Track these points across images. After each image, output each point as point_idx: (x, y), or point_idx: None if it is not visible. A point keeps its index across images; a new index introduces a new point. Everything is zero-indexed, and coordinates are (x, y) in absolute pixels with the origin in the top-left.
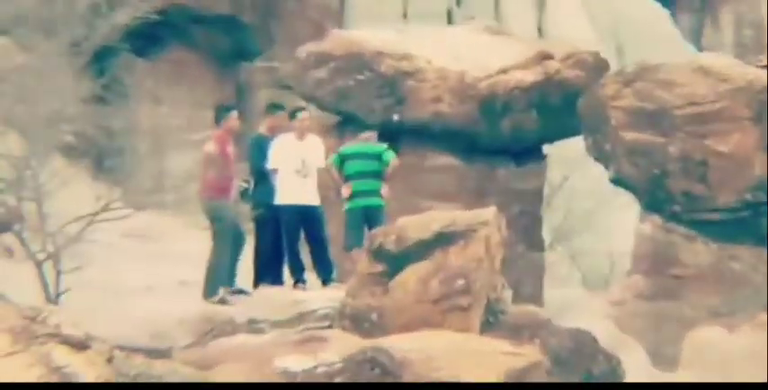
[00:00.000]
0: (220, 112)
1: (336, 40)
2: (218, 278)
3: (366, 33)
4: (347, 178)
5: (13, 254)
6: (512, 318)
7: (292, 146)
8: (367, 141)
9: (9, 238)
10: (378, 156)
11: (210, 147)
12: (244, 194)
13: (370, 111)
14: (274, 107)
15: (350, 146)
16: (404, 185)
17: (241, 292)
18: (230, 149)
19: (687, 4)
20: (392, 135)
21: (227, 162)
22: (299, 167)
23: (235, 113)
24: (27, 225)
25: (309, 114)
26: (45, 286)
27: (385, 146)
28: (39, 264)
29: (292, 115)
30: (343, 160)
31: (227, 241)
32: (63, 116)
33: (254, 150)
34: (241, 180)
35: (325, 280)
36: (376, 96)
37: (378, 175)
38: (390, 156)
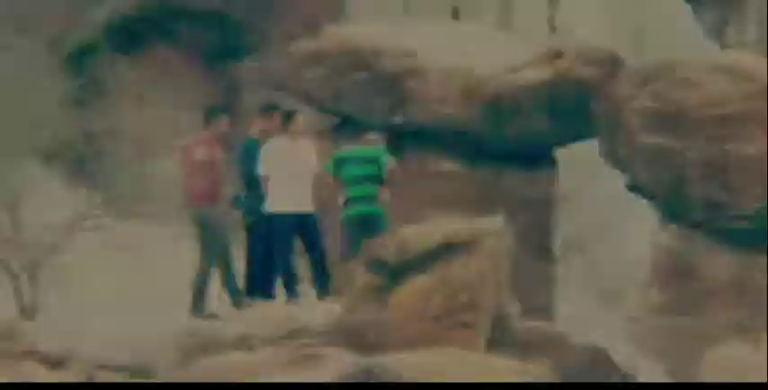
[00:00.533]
0: (211, 114)
1: (333, 37)
2: (207, 291)
3: (365, 29)
4: (343, 183)
5: None
6: (520, 335)
7: (285, 151)
8: (372, 144)
9: None
10: (375, 160)
11: (200, 152)
12: (235, 201)
13: (369, 113)
14: (267, 108)
15: (345, 150)
16: (405, 192)
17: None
18: (218, 153)
19: None
20: (393, 138)
21: (215, 167)
22: (292, 172)
23: (226, 117)
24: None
25: (303, 116)
26: (20, 300)
27: (382, 148)
28: (13, 277)
29: (286, 117)
30: (338, 164)
31: (215, 252)
32: (39, 118)
33: (245, 154)
34: (232, 186)
35: (321, 294)
36: (375, 97)
37: (375, 180)
38: (387, 159)
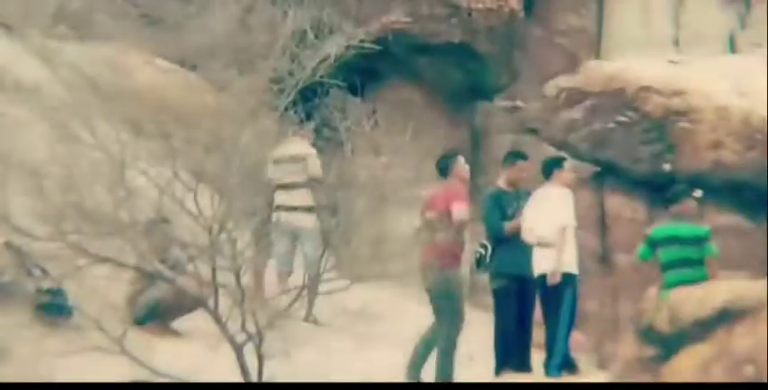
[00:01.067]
0: (444, 161)
1: (593, 74)
2: (452, 368)
3: (629, 64)
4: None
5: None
6: None
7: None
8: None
9: (202, 316)
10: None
11: (438, 205)
12: (480, 262)
13: (633, 160)
14: (514, 156)
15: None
16: None
17: None
18: (462, 205)
19: None
20: (661, 187)
21: (455, 221)
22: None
23: (461, 158)
24: (223, 300)
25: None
26: (246, 374)
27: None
28: (238, 348)
29: (553, 165)
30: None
31: (459, 322)
32: (264, 167)
33: (492, 208)
34: (477, 245)
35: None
36: (641, 141)
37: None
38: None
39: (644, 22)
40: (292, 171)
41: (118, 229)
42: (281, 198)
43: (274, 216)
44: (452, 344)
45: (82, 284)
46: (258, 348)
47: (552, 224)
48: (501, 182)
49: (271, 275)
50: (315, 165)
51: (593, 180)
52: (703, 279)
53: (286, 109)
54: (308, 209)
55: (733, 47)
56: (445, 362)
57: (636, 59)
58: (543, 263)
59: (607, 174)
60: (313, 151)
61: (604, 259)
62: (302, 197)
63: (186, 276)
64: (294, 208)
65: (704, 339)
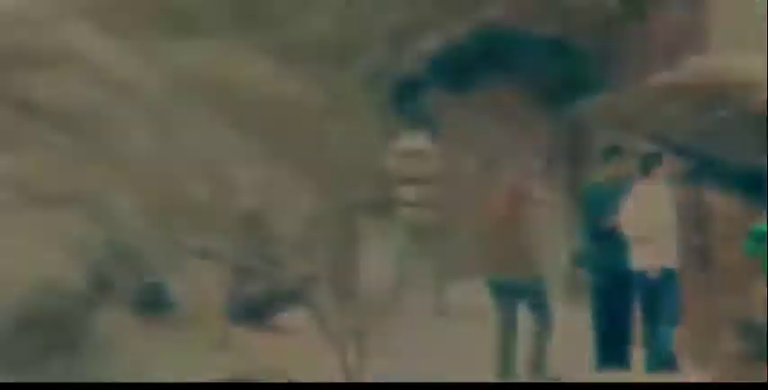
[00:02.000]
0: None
1: (695, 69)
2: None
3: (733, 60)
4: None
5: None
6: None
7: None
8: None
9: (301, 312)
10: None
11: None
12: (578, 258)
13: (735, 156)
14: (613, 151)
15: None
16: None
17: None
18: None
19: None
20: (760, 182)
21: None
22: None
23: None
24: (323, 295)
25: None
26: (347, 371)
27: None
28: (339, 344)
29: (650, 160)
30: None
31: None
32: (371, 162)
33: (591, 203)
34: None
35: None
36: (741, 136)
37: None
38: None
39: (748, 16)
40: (413, 165)
41: (218, 225)
42: (402, 192)
43: (397, 210)
44: (547, 337)
45: (183, 279)
46: (359, 344)
47: (651, 219)
48: (600, 178)
49: (371, 272)
50: (434, 160)
51: (691, 175)
52: None
53: (386, 105)
54: (425, 204)
55: None
56: (541, 354)
57: (738, 54)
58: (643, 259)
59: (706, 170)
60: (430, 145)
61: (703, 254)
62: (422, 191)
63: (286, 271)
64: (413, 203)
65: None
